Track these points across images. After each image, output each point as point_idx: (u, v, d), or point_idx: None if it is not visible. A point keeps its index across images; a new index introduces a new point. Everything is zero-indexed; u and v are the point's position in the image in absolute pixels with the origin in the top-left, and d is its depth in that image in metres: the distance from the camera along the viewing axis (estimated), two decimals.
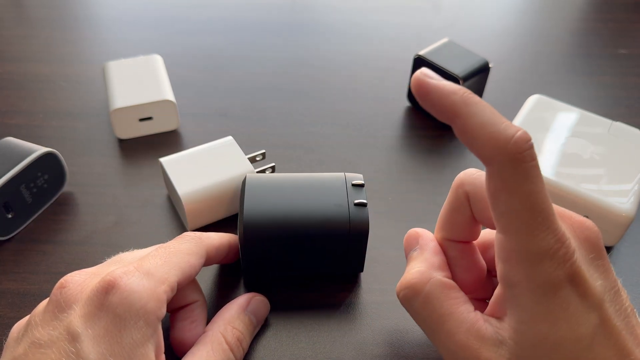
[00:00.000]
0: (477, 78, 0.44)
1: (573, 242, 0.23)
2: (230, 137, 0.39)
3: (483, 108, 0.23)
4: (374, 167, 0.43)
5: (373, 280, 0.35)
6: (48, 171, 0.38)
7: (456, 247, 0.29)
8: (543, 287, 0.23)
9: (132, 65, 0.46)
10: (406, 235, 0.30)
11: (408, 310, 0.27)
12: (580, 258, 0.23)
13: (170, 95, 0.44)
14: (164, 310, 0.25)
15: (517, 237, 0.23)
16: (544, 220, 0.22)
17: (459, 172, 0.29)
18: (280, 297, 0.33)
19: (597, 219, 0.36)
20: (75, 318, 0.23)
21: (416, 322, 0.27)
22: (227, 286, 0.34)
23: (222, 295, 0.34)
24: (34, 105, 0.47)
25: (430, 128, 0.47)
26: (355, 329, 0.32)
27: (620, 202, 0.36)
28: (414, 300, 0.26)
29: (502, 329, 0.24)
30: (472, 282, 0.28)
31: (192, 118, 0.46)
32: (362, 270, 0.34)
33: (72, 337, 0.23)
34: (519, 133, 0.22)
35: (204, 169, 0.37)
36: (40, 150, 0.37)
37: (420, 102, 0.24)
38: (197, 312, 0.29)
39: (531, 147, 0.22)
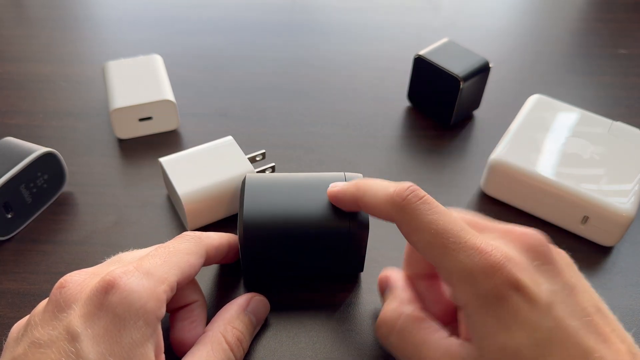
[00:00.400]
0: (477, 78, 0.44)
1: (509, 252, 0.24)
2: (230, 137, 0.39)
3: (371, 184, 0.29)
4: (374, 167, 0.43)
5: (373, 280, 0.35)
6: (48, 171, 0.38)
7: (422, 283, 0.30)
8: (488, 299, 0.24)
9: (132, 65, 0.46)
10: (378, 279, 0.32)
11: (387, 347, 0.29)
12: (521, 266, 0.24)
13: (170, 95, 0.44)
14: (163, 310, 0.25)
15: (443, 263, 0.25)
16: (457, 240, 0.25)
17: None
18: (280, 297, 0.33)
19: (597, 219, 0.36)
20: (75, 318, 0.23)
21: (395, 356, 0.28)
22: (227, 286, 0.34)
23: (222, 295, 0.34)
24: (34, 105, 0.47)
25: (430, 128, 0.47)
26: (355, 329, 0.32)
27: (620, 202, 0.36)
28: (390, 336, 0.28)
29: (472, 349, 0.25)
30: (443, 313, 0.29)
31: (192, 118, 0.46)
32: (362, 270, 0.34)
33: (72, 337, 0.23)
34: (398, 186, 0.27)
35: (204, 169, 0.37)
36: (40, 150, 0.37)
37: (340, 207, 0.31)
38: (197, 312, 0.29)
39: (412, 190, 0.26)
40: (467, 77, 0.43)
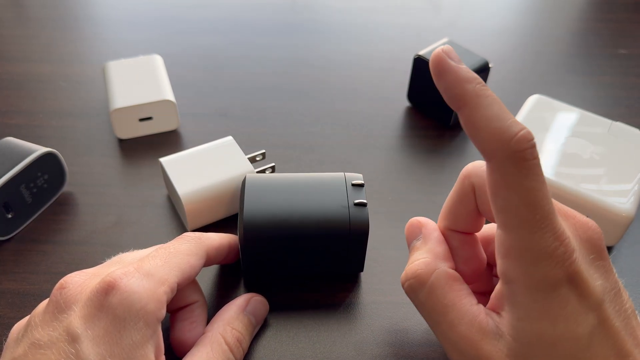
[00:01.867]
0: None
1: (573, 242, 0.23)
2: (230, 137, 0.39)
3: (492, 102, 0.23)
4: (374, 167, 0.43)
5: (373, 280, 0.35)
6: (48, 171, 0.38)
7: (458, 237, 0.29)
8: (541, 285, 0.23)
9: (132, 65, 0.46)
10: (408, 224, 0.30)
11: (412, 300, 0.27)
12: (580, 258, 0.23)
13: (170, 95, 0.44)
14: (163, 311, 0.25)
15: (516, 234, 0.23)
16: (543, 218, 0.22)
17: (458, 172, 0.29)
18: (280, 297, 0.33)
19: (597, 219, 0.36)
20: (75, 319, 0.23)
21: (419, 311, 0.27)
22: (227, 286, 0.34)
23: (222, 296, 0.34)
24: (34, 105, 0.47)
25: (430, 128, 0.47)
26: (355, 329, 0.32)
27: (620, 202, 0.36)
28: (419, 290, 0.26)
29: (502, 324, 0.24)
30: (471, 274, 0.28)
31: (192, 118, 0.46)
32: (362, 270, 0.34)
33: (72, 338, 0.23)
34: (522, 131, 0.22)
35: (204, 169, 0.37)
36: (40, 150, 0.37)
37: (434, 80, 0.24)
38: (197, 313, 0.29)
39: (533, 146, 0.22)
40: None
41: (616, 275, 0.25)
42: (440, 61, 0.24)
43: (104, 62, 0.48)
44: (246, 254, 0.32)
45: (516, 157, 0.22)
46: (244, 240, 0.31)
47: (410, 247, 0.29)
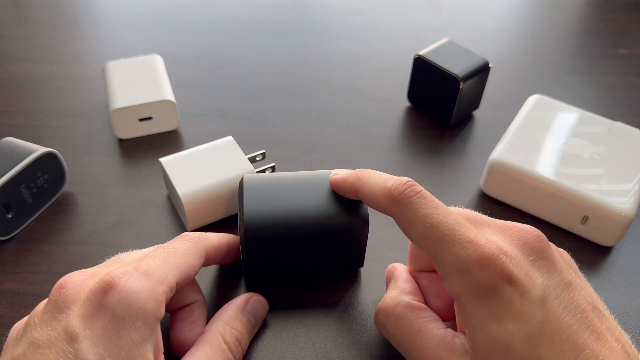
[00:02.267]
0: (477, 78, 0.44)
1: (503, 246, 0.25)
2: (230, 137, 0.39)
3: (371, 176, 0.29)
4: (374, 167, 0.42)
5: (373, 280, 0.35)
6: (48, 171, 0.38)
7: (425, 276, 0.31)
8: (480, 290, 0.24)
9: (132, 65, 0.46)
10: (385, 272, 0.33)
11: (383, 333, 0.30)
12: (516, 259, 0.25)
13: (170, 95, 0.44)
14: (162, 311, 0.25)
15: (437, 255, 0.25)
16: (451, 233, 0.25)
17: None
18: (280, 297, 0.33)
19: (597, 219, 0.36)
20: (74, 318, 0.23)
21: (392, 343, 0.29)
22: (227, 286, 0.34)
23: (222, 295, 0.34)
24: (34, 105, 0.47)
25: (430, 128, 0.47)
26: (355, 329, 0.32)
27: (620, 202, 0.36)
28: (386, 322, 0.29)
29: (465, 339, 0.25)
30: (444, 307, 0.29)
31: (192, 118, 0.46)
32: (362, 265, 0.34)
33: (71, 338, 0.23)
34: (397, 180, 0.27)
35: (204, 169, 0.37)
36: (40, 150, 0.37)
37: (340, 194, 0.31)
38: (197, 313, 0.29)
39: (410, 185, 0.27)
40: (467, 77, 0.43)
41: (568, 273, 0.25)
42: (330, 180, 0.32)
43: (104, 62, 0.48)
44: (247, 253, 0.32)
45: (399, 200, 0.27)
46: (245, 240, 0.31)
47: (387, 290, 0.32)
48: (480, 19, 0.61)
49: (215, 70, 0.52)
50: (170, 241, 0.28)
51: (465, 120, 0.47)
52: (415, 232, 0.26)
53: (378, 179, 0.29)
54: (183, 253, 0.27)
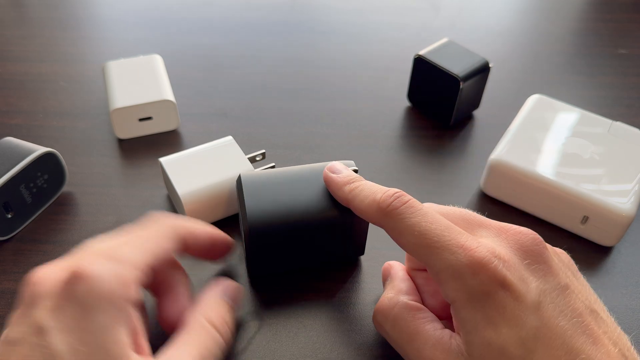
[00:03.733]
0: (477, 78, 0.44)
1: (497, 249, 0.25)
2: (230, 137, 0.39)
3: (362, 189, 0.29)
4: (374, 167, 0.43)
5: (373, 280, 0.35)
6: (48, 171, 0.38)
7: (421, 275, 0.31)
8: (475, 295, 0.24)
9: (132, 65, 0.46)
10: (382, 269, 0.33)
11: (382, 333, 0.30)
12: (510, 263, 0.25)
13: (170, 95, 0.44)
14: (134, 294, 0.25)
15: (430, 262, 0.26)
16: (440, 239, 0.25)
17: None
18: (280, 297, 0.33)
19: (597, 219, 0.36)
20: (43, 312, 0.23)
21: (390, 343, 0.29)
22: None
23: None
24: (34, 105, 0.47)
25: (430, 128, 0.47)
26: (355, 329, 0.32)
27: (620, 202, 0.36)
28: (384, 323, 0.29)
29: (461, 342, 0.25)
30: (441, 307, 0.29)
31: (192, 118, 0.46)
32: (362, 254, 0.35)
33: (41, 332, 0.23)
34: (385, 192, 0.28)
35: (203, 168, 0.37)
36: (40, 150, 0.37)
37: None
38: (181, 291, 0.29)
39: (398, 197, 0.27)
40: (467, 77, 0.43)
41: (564, 276, 0.25)
42: (325, 177, 0.32)
43: (104, 62, 0.48)
44: (252, 251, 0.32)
45: (387, 212, 0.27)
46: (249, 237, 0.31)
47: (384, 289, 0.31)
48: (480, 19, 0.61)
49: (215, 70, 0.52)
50: (140, 223, 0.28)
51: (465, 120, 0.47)
52: (406, 242, 0.27)
53: (368, 191, 0.29)
54: (154, 236, 0.27)
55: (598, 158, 0.39)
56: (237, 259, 0.36)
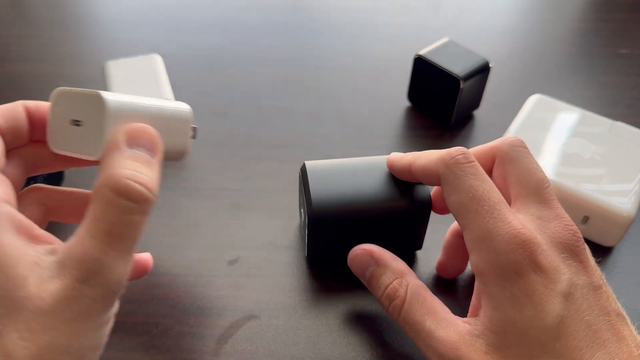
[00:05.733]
0: (477, 78, 0.44)
1: (538, 237, 0.25)
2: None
3: (425, 151, 0.29)
4: None
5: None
6: None
7: (458, 234, 0.33)
8: (506, 272, 0.24)
9: (132, 65, 0.46)
10: (352, 256, 0.31)
11: (394, 318, 0.29)
12: (548, 251, 0.24)
13: (170, 95, 0.44)
14: None
15: (472, 227, 0.26)
16: (491, 208, 0.25)
17: None
18: (281, 298, 0.33)
19: (597, 219, 0.36)
20: None
21: (401, 327, 0.28)
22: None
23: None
24: None
25: (430, 128, 0.46)
26: (356, 329, 0.32)
27: (620, 202, 0.36)
28: (401, 308, 0.28)
29: (478, 323, 0.25)
30: (455, 262, 0.33)
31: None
32: (420, 248, 0.35)
33: None
34: (452, 148, 0.27)
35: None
36: None
37: (395, 174, 0.32)
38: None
39: (464, 153, 0.27)
40: (467, 77, 0.43)
41: (598, 277, 0.25)
42: (388, 162, 0.32)
43: (104, 62, 0.48)
44: (313, 238, 0.32)
45: (450, 164, 0.27)
46: (312, 226, 0.31)
47: (368, 276, 0.30)
48: (480, 19, 0.61)
49: (215, 70, 0.52)
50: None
51: (465, 120, 0.47)
52: (457, 200, 0.26)
53: (431, 151, 0.29)
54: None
55: (599, 158, 0.39)
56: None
